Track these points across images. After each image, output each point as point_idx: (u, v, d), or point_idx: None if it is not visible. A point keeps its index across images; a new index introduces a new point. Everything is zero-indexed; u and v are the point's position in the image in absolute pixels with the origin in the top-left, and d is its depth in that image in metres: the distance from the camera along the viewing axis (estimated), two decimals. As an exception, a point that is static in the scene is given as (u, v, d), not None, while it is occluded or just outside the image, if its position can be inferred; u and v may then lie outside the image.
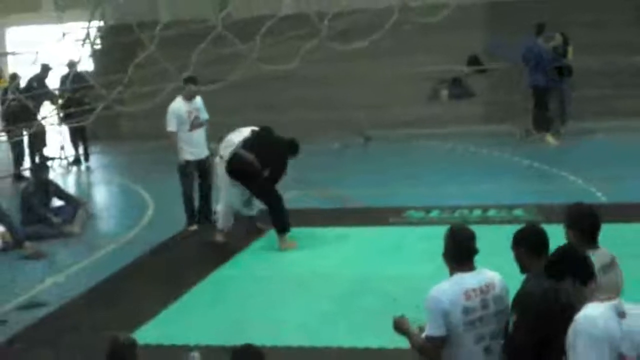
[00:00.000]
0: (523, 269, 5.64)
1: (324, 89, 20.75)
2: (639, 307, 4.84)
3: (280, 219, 11.77)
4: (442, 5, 12.42)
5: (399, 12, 10.60)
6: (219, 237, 12.24)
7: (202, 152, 12.93)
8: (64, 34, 14.24)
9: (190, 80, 12.58)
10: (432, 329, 5.57)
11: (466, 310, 5.52)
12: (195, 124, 12.80)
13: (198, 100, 12.89)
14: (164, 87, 10.63)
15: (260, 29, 10.95)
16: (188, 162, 12.82)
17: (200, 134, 12.89)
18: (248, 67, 11.70)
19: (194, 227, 12.94)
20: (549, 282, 4.97)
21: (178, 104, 12.75)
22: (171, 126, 12.75)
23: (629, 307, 4.78)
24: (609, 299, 4.79)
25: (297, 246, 11.74)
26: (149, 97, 11.18)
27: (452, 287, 5.59)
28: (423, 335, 5.66)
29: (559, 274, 4.89)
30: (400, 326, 5.80)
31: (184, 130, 12.74)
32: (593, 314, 4.70)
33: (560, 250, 5.07)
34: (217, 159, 12.26)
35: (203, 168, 12.94)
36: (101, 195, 17.73)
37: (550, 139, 17.90)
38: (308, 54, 10.32)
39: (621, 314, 4.71)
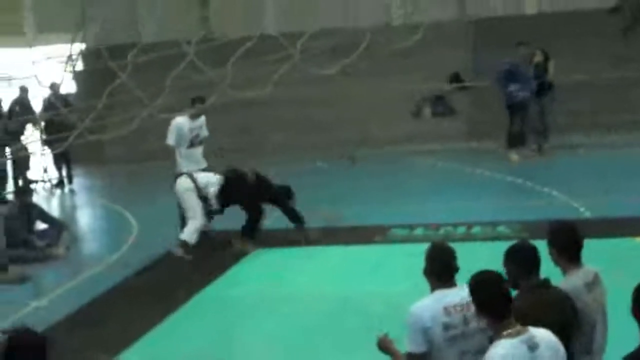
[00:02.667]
0: (514, 286, 5.64)
1: (307, 110, 20.77)
2: (546, 334, 4.92)
3: (253, 229, 12.60)
4: (421, 25, 12.46)
5: (378, 32, 10.64)
6: (186, 254, 12.36)
7: (199, 168, 13.15)
8: (48, 58, 14.23)
9: (198, 100, 12.90)
10: (412, 346, 5.58)
11: (446, 327, 5.53)
12: (195, 142, 13.17)
13: (202, 119, 13.27)
14: (139, 114, 10.66)
15: (243, 49, 10.98)
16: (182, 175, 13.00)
17: (198, 151, 13.26)
18: (222, 93, 11.84)
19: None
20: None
21: (182, 120, 13.08)
22: (170, 140, 13.11)
23: (538, 335, 4.87)
24: (518, 332, 4.82)
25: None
26: (127, 123, 11.23)
27: (432, 304, 5.60)
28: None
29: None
30: (383, 345, 5.80)
31: (184, 147, 13.06)
32: (501, 353, 4.80)
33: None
34: (184, 180, 12.59)
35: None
36: (85, 218, 17.66)
37: (513, 155, 17.90)
38: (287, 76, 10.36)
39: (532, 347, 4.77)
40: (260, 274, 11.72)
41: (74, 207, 18.50)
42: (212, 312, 10.42)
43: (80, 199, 19.05)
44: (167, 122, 13.09)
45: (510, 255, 5.77)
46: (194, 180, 12.62)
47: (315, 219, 13.13)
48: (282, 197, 12.84)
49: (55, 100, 16.88)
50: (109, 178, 20.54)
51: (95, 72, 13.69)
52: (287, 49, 9.94)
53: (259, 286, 11.25)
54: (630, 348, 4.96)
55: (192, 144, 13.15)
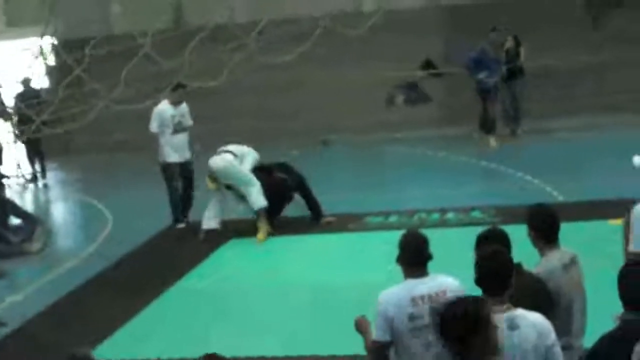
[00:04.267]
0: None
1: (277, 97, 20.73)
2: (533, 316, 4.93)
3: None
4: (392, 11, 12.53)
5: (348, 18, 10.67)
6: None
7: (184, 155, 13.33)
8: (20, 50, 14.18)
9: (180, 86, 13.13)
10: (377, 333, 5.58)
11: (412, 317, 5.50)
12: (178, 128, 13.25)
13: (184, 106, 13.38)
14: (97, 105, 10.70)
15: (214, 37, 11.04)
16: (170, 164, 13.25)
17: (183, 138, 13.35)
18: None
19: (182, 225, 13.32)
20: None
21: (163, 107, 13.21)
22: (153, 127, 13.24)
23: (521, 316, 4.88)
24: (501, 311, 4.85)
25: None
26: (87, 114, 11.30)
27: (399, 293, 5.57)
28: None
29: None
30: (360, 325, 5.78)
31: (167, 133, 13.15)
32: None
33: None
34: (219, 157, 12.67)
35: (185, 169, 13.34)
36: (59, 212, 17.59)
37: (491, 141, 17.98)
38: (249, 63, 10.41)
39: (513, 326, 4.80)
40: (235, 263, 11.74)
41: (48, 202, 18.42)
42: (188, 303, 10.42)
43: (54, 193, 18.95)
44: (135, 112, 13.08)
45: (481, 242, 5.80)
46: (230, 152, 12.70)
47: (295, 209, 13.14)
48: (308, 187, 13.00)
49: (26, 96, 16.78)
50: (81, 171, 20.44)
51: (66, 66, 13.63)
52: (241, 38, 9.97)
53: (235, 276, 11.26)
54: (607, 328, 5.02)
55: (175, 131, 13.22)
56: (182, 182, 13.43)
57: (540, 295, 5.68)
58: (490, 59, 18.05)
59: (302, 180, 13.04)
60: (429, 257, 5.66)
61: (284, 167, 13.20)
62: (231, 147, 12.90)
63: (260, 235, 12.40)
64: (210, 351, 5.30)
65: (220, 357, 5.20)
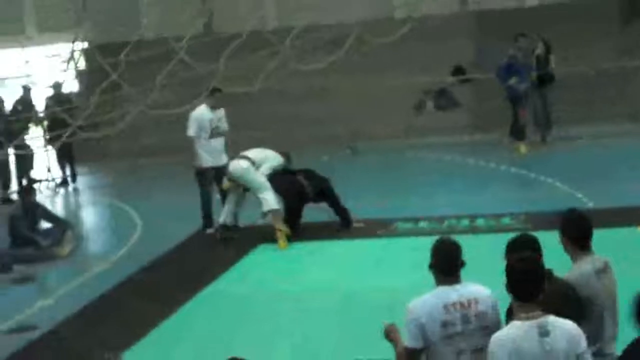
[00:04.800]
0: None
1: (308, 104, 20.74)
2: (564, 323, 4.90)
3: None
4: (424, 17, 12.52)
5: (379, 25, 10.67)
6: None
7: (220, 160, 13.32)
8: (52, 55, 14.30)
9: (217, 90, 13.14)
10: (409, 340, 5.58)
11: (445, 324, 5.50)
12: (215, 133, 13.30)
13: (221, 111, 13.44)
14: (130, 110, 10.74)
15: (245, 43, 11.07)
16: (206, 169, 13.26)
17: (219, 142, 13.43)
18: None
19: (211, 230, 13.26)
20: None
21: (201, 111, 13.26)
22: (191, 131, 13.26)
23: (553, 323, 4.86)
24: (533, 317, 4.83)
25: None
26: (121, 119, 11.35)
27: (431, 300, 5.57)
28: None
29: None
30: (390, 333, 5.79)
31: (204, 137, 13.20)
32: (511, 334, 4.86)
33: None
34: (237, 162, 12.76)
35: (220, 175, 13.24)
36: (89, 216, 17.67)
37: (522, 147, 17.92)
38: (281, 70, 10.43)
39: (544, 333, 4.77)
40: (265, 269, 11.74)
41: (77, 206, 18.52)
42: (217, 308, 10.43)
43: (84, 197, 19.05)
44: (167, 117, 13.14)
45: (512, 248, 5.78)
46: (247, 159, 12.75)
47: (321, 214, 13.15)
48: (333, 195, 13.00)
49: (56, 100, 16.88)
50: (111, 175, 20.53)
51: (97, 70, 13.70)
52: (274, 44, 9.98)
53: (264, 281, 11.26)
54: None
55: (212, 135, 13.25)
56: (217, 187, 13.44)
57: (571, 302, 5.65)
58: (520, 65, 18.00)
59: (328, 186, 13.03)
60: (461, 264, 5.66)
61: (309, 173, 13.18)
62: (251, 152, 12.95)
63: (281, 241, 12.40)
64: (237, 356, 5.32)
65: (242, 360, 5.21)
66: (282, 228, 12.47)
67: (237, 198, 12.96)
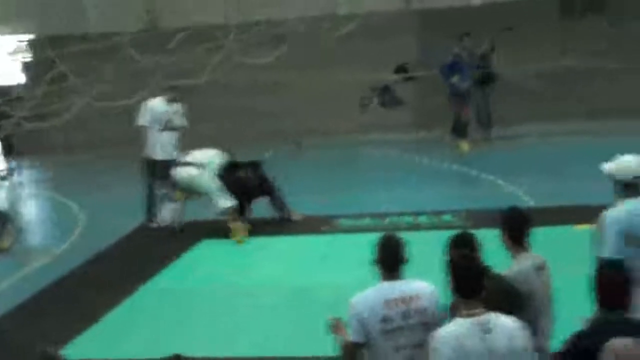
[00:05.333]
0: None
1: (248, 98, 20.73)
2: (506, 320, 5.01)
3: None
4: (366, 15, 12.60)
5: (322, 21, 10.75)
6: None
7: (168, 154, 13.21)
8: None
9: (176, 87, 13.22)
10: (352, 335, 5.66)
11: (384, 319, 5.58)
12: (168, 126, 13.18)
13: (177, 105, 13.31)
14: (75, 102, 10.70)
15: (191, 38, 11.09)
16: (154, 161, 13.15)
17: (171, 137, 13.28)
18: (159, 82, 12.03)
19: (154, 224, 13.22)
20: None
21: (156, 102, 13.18)
22: (142, 120, 13.13)
23: (495, 320, 4.96)
24: (474, 315, 4.93)
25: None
26: (66, 111, 11.29)
27: (373, 296, 5.65)
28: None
29: None
30: (334, 327, 5.86)
31: (156, 129, 13.09)
32: (454, 331, 4.95)
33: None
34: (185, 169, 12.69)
35: (167, 169, 13.07)
36: (31, 210, 17.51)
37: (463, 145, 18.09)
38: (225, 65, 10.45)
39: (486, 330, 4.87)
40: (207, 264, 11.74)
41: (19, 199, 18.33)
42: (158, 303, 10.42)
43: (26, 190, 18.88)
44: (112, 110, 13.05)
45: (452, 245, 5.90)
46: (192, 164, 12.71)
47: (268, 211, 13.18)
48: (274, 189, 13.08)
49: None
50: (54, 168, 20.36)
51: (42, 63, 13.60)
52: (219, 39, 10.01)
53: (207, 276, 11.27)
54: (572, 331, 5.11)
55: (164, 128, 13.16)
56: (161, 181, 13.33)
57: (511, 298, 5.75)
58: (464, 63, 18.18)
59: (268, 180, 13.08)
60: (404, 260, 5.73)
61: (254, 166, 13.19)
62: (194, 156, 12.88)
63: (236, 235, 12.40)
64: (179, 351, 5.34)
65: (185, 357, 5.23)
66: (239, 225, 12.46)
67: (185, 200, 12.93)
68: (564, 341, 5.13)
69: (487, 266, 5.69)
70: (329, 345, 5.91)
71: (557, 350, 5.35)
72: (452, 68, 18.08)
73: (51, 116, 13.18)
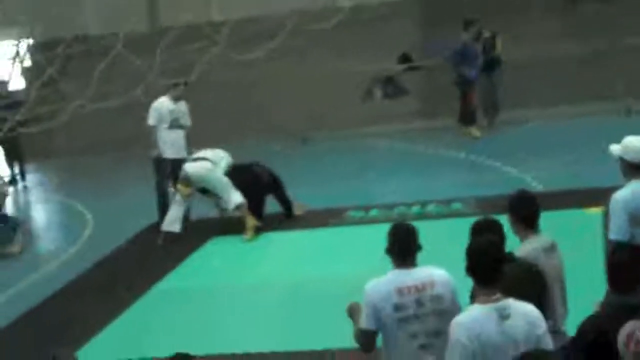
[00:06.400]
0: None
1: (255, 94, 20.68)
2: (524, 306, 4.97)
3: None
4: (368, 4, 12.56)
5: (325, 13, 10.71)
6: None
7: (178, 153, 13.20)
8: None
9: (182, 84, 13.24)
10: (364, 322, 5.65)
11: (397, 307, 5.56)
12: (174, 124, 13.16)
13: (182, 104, 13.32)
14: (71, 103, 10.70)
15: (186, 36, 11.08)
16: (163, 159, 13.11)
17: (179, 135, 13.29)
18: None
19: (159, 241, 12.88)
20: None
21: (162, 102, 13.18)
22: (150, 120, 13.15)
23: (513, 306, 4.92)
24: (492, 301, 4.89)
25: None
26: (63, 113, 11.31)
27: (385, 284, 5.63)
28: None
29: None
30: (351, 310, 5.86)
31: (163, 128, 13.09)
32: (472, 317, 4.92)
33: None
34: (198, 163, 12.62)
35: (177, 168, 12.98)
36: (39, 214, 17.52)
37: (474, 131, 18.05)
38: (224, 59, 10.43)
39: (504, 316, 4.84)
40: (217, 262, 11.75)
41: (27, 204, 18.35)
42: (170, 303, 10.41)
43: (34, 195, 18.89)
44: (114, 111, 13.02)
45: (475, 232, 5.86)
46: (206, 159, 12.68)
47: (275, 206, 13.16)
48: (281, 185, 13.06)
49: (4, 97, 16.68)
50: (61, 172, 20.37)
51: (41, 67, 13.59)
52: (213, 36, 9.99)
53: (216, 274, 11.27)
54: (586, 315, 5.08)
55: (171, 126, 13.14)
56: (172, 181, 13.19)
57: (537, 281, 5.72)
58: (471, 51, 18.07)
59: (275, 176, 13.06)
60: (417, 248, 5.72)
61: (258, 166, 13.20)
62: (207, 154, 12.87)
63: (248, 232, 12.36)
64: (191, 349, 5.32)
65: (190, 356, 5.22)
66: (252, 221, 12.43)
67: (189, 204, 12.86)
68: (579, 325, 5.10)
69: (510, 253, 5.66)
70: (344, 337, 5.90)
71: (571, 335, 5.32)
72: (463, 55, 17.95)
73: (49, 119, 13.17)
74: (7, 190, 14.45)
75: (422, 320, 5.58)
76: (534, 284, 5.63)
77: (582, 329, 5.05)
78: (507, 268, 5.11)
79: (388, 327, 5.59)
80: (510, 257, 5.64)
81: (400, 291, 5.58)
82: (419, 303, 5.58)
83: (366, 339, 5.68)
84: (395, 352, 5.62)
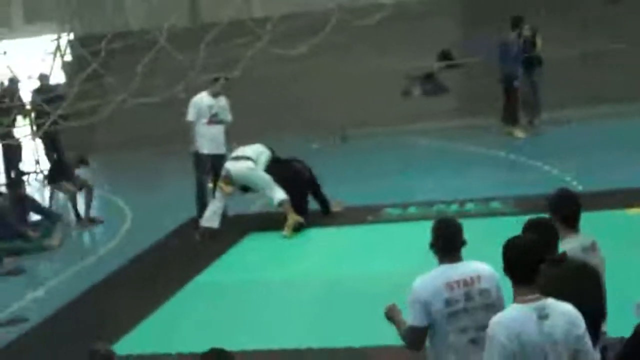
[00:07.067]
0: None
1: (295, 90, 20.70)
2: (563, 305, 4.91)
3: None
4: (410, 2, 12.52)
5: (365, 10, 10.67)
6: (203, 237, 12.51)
7: (217, 148, 13.19)
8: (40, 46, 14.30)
9: (222, 78, 13.21)
10: (413, 320, 5.61)
11: (448, 302, 5.53)
12: (213, 120, 13.13)
13: (222, 99, 13.31)
14: (113, 99, 10.73)
15: (229, 31, 11.09)
16: (202, 155, 13.09)
17: (219, 130, 13.24)
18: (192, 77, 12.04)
19: (197, 237, 12.88)
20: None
21: (201, 97, 13.18)
22: (190, 116, 13.15)
23: (552, 306, 4.86)
24: (531, 300, 4.84)
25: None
26: (105, 108, 11.35)
27: (434, 279, 5.60)
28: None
29: None
30: (391, 312, 5.82)
31: (202, 123, 13.07)
32: (510, 317, 4.85)
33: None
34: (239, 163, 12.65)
35: (217, 164, 13.02)
36: (79, 208, 17.58)
37: (518, 132, 17.94)
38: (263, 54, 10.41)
39: (543, 316, 4.78)
40: (254, 257, 11.74)
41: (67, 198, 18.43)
42: (207, 298, 10.43)
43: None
44: (156, 106, 13.05)
45: (527, 229, 5.78)
46: (247, 158, 12.70)
47: (312, 203, 13.15)
48: (318, 183, 13.05)
49: (43, 91, 16.80)
50: (100, 166, 20.46)
51: (83, 61, 13.66)
52: (256, 31, 9.98)
53: (256, 269, 11.27)
54: (625, 316, 5.01)
55: (210, 122, 13.12)
56: (211, 177, 13.23)
57: (591, 280, 5.65)
58: (513, 49, 17.95)
59: (313, 173, 13.06)
60: (463, 243, 5.69)
61: (297, 162, 13.21)
62: (247, 151, 12.86)
63: (287, 228, 12.33)
64: (228, 344, 5.32)
65: (225, 351, 5.21)
66: (294, 217, 12.43)
67: (223, 199, 12.82)
68: (636, 325, 5.00)
69: (563, 252, 5.62)
70: (380, 335, 5.86)
71: (610, 338, 5.26)
72: (505, 54, 17.83)
73: (91, 114, 13.24)
74: (75, 190, 14.52)
75: (472, 314, 5.55)
76: (588, 282, 5.55)
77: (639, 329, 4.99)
78: (558, 268, 5.06)
79: (438, 322, 5.56)
80: (562, 257, 5.59)
81: (449, 286, 5.55)
82: (469, 297, 5.55)
83: (417, 336, 5.64)
84: (445, 347, 5.59)
